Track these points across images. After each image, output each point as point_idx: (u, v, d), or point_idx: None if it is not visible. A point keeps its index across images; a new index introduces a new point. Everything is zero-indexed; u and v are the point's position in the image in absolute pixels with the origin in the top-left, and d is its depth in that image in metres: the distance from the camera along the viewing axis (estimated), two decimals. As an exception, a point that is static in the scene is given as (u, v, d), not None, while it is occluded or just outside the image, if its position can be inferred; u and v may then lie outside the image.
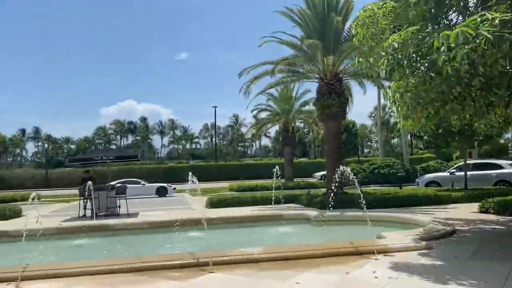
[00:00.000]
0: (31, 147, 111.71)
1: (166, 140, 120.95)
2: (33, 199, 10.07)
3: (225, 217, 11.77)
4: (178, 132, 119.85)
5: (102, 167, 30.25)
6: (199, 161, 78.73)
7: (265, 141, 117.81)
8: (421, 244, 6.93)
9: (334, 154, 15.54)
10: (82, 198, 14.15)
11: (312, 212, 11.97)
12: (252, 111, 36.96)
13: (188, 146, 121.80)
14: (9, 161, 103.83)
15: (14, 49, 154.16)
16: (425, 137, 19.28)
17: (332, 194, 11.27)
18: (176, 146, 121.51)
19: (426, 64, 6.07)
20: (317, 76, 16.61)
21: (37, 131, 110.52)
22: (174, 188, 28.15)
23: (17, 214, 14.98)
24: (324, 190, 16.33)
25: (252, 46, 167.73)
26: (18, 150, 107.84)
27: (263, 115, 36.12)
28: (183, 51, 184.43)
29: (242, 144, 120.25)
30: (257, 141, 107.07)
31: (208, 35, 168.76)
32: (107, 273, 5.95)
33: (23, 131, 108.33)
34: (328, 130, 15.92)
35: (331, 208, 10.87)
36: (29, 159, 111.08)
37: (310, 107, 32.21)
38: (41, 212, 15.03)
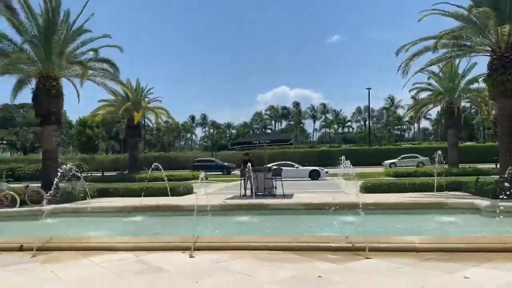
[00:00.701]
0: (199, 132, 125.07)
1: (318, 124, 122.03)
2: (202, 178, 11.28)
3: (381, 203, 11.29)
4: (329, 116, 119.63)
5: (259, 150, 32.12)
6: (351, 145, 77.43)
7: (425, 124, 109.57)
8: None
9: (508, 136, 13.52)
10: (242, 178, 15.24)
11: (483, 202, 10.64)
12: (410, 91, 34.49)
13: (340, 130, 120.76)
14: (182, 145, 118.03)
15: (182, 44, 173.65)
16: None
17: (507, 182, 9.81)
18: (327, 130, 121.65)
19: None
20: (488, 48, 14.57)
21: (204, 117, 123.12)
22: (327, 172, 28.28)
23: (189, 191, 16.95)
24: (496, 177, 14.38)
25: (407, 23, 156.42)
26: (189, 135, 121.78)
27: (423, 95, 33.38)
28: (334, 33, 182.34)
29: (398, 127, 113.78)
30: (415, 124, 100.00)
31: (360, 15, 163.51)
32: (264, 249, 6.28)
33: (193, 118, 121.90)
34: (502, 109, 13.88)
35: (506, 198, 9.48)
36: (198, 142, 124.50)
37: (480, 84, 28.57)
38: (208, 190, 16.74)
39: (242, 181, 15.33)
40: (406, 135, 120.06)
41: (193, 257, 6.08)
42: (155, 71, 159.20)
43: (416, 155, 43.53)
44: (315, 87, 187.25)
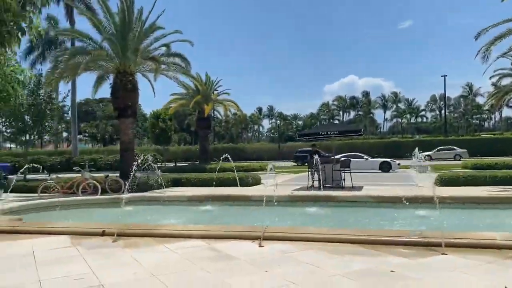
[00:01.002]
0: (266, 124, 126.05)
1: (388, 114, 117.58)
2: (270, 169, 11.41)
3: (459, 197, 10.67)
4: (401, 106, 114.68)
5: (327, 141, 31.69)
6: (425, 136, 73.72)
7: (507, 112, 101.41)
8: None
9: None
10: (310, 170, 15.15)
11: None
12: (490, 78, 32.19)
13: (412, 120, 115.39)
14: (249, 136, 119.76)
15: (250, 37, 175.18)
16: None
17: None
18: (399, 120, 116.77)
19: None
20: None
21: (271, 109, 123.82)
22: (399, 164, 27.22)
23: (257, 182, 17.19)
24: None
25: (486, 4, 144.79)
26: (256, 126, 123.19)
27: (506, 81, 30.92)
28: (406, 19, 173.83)
29: (477, 116, 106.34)
30: (496, 113, 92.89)
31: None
32: (333, 242, 6.21)
33: (260, 110, 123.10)
34: None
35: None
36: (265, 134, 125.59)
37: None
38: (276, 181, 16.84)
39: (310, 172, 15.24)
40: (486, 124, 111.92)
41: (262, 246, 6.17)
42: (223, 64, 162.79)
43: (453, 147, 40.81)
44: (385, 75, 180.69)
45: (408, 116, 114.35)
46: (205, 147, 34.62)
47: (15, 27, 8.27)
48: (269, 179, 18.47)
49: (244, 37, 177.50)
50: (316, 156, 13.77)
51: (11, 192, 13.68)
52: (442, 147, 41.75)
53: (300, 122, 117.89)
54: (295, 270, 4.99)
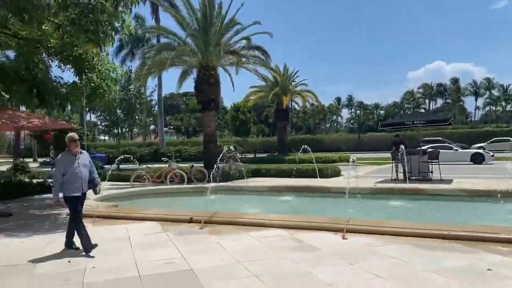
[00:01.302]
0: (345, 114, 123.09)
1: (480, 102, 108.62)
2: (352, 161, 11.16)
3: None
4: (495, 92, 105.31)
5: (412, 131, 30.19)
6: (524, 125, 67.14)
7: None
8: None
9: None
10: (394, 161, 14.55)
11: None
12: None
13: (508, 107, 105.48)
14: (327, 127, 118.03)
15: (328, 27, 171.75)
16: None
17: None
18: (493, 108, 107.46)
19: None
20: None
21: (350, 99, 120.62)
22: (493, 155, 25.10)
23: (337, 173, 16.91)
24: None
25: None
26: (334, 117, 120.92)
27: None
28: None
29: None
30: None
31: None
32: (421, 237, 5.95)
33: (338, 100, 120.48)
34: None
35: None
36: (344, 124, 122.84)
37: None
38: (357, 173, 16.45)
39: (393, 164, 14.64)
40: None
41: (345, 239, 6.08)
42: (300, 53, 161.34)
43: (509, 138, 35.84)
44: (476, 60, 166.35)
45: (503, 103, 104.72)
46: (283, 139, 34.82)
47: (109, 27, 8.91)
48: (349, 170, 18.09)
49: (321, 24, 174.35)
50: (401, 147, 13.16)
51: (107, 180, 14.89)
52: (497, 138, 37.62)
53: (381, 112, 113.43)
54: (381, 264, 4.85)
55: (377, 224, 6.56)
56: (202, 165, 17.60)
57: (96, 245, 5.84)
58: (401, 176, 14.11)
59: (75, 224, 5.93)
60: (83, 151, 6.18)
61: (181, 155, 33.65)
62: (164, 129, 51.88)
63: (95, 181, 6.19)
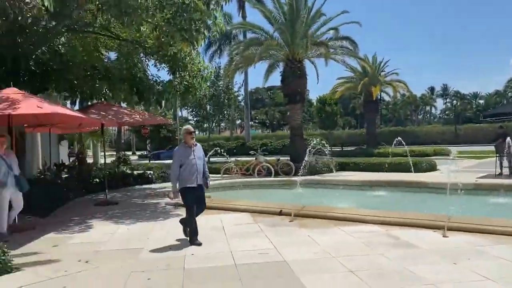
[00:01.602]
0: (439, 104, 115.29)
1: None
2: (452, 154, 10.40)
3: None
4: None
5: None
6: None
7: None
8: None
9: None
10: (498, 155, 13.32)
11: None
12: None
13: None
14: (420, 119, 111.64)
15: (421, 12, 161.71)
16: None
17: None
18: None
19: None
20: None
21: (445, 88, 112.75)
22: None
23: (432, 167, 15.94)
24: None
25: None
26: (427, 108, 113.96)
27: None
28: None
29: None
30: None
31: None
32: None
33: (431, 89, 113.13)
34: None
35: None
36: (438, 116, 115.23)
37: None
38: (455, 168, 15.35)
39: (497, 158, 13.39)
40: None
41: (446, 237, 5.70)
42: (390, 42, 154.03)
43: None
44: None
45: None
46: (372, 131, 33.68)
47: (201, 25, 9.26)
48: (445, 164, 16.94)
49: (415, 11, 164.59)
50: (507, 139, 11.99)
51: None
52: None
53: (481, 101, 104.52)
54: (488, 265, 4.49)
55: (483, 222, 6.06)
56: (288, 158, 17.67)
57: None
58: (506, 171, 12.89)
59: (190, 215, 6.00)
60: (197, 144, 6.25)
61: (267, 148, 34.14)
62: (250, 123, 52.97)
63: (205, 174, 6.22)
